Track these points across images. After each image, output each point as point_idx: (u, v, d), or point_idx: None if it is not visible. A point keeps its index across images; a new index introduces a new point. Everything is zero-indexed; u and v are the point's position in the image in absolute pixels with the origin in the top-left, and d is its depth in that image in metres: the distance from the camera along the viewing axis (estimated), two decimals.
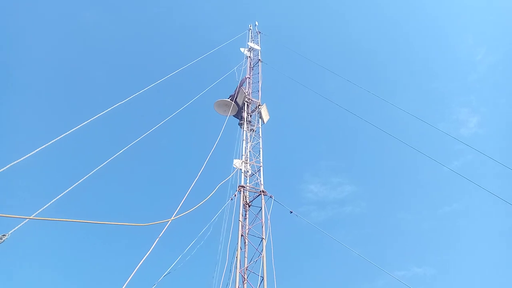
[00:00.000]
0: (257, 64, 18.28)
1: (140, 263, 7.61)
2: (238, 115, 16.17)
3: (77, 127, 7.14)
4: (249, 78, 16.85)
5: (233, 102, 15.83)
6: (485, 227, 33.01)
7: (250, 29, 20.47)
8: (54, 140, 6.47)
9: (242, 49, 18.98)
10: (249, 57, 18.53)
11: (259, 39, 19.95)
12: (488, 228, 32.58)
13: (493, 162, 13.75)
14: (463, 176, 13.67)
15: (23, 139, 29.63)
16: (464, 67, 41.21)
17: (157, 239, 8.11)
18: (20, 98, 33.13)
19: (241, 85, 16.44)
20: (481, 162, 28.95)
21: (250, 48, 19.03)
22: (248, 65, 18.03)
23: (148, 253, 7.88)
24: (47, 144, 6.26)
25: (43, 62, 36.04)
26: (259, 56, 18.70)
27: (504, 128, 36.38)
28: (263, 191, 12.51)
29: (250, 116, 15.87)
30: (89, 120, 7.66)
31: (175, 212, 8.73)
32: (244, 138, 14.66)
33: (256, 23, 20.99)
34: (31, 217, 5.20)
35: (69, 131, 6.85)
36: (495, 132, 36.68)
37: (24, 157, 5.76)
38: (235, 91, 16.34)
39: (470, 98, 39.24)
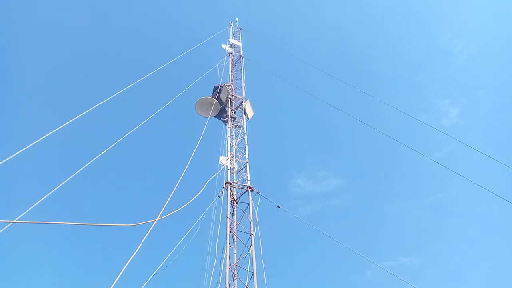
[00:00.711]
0: (239, 61, 18.23)
1: (126, 264, 7.54)
2: (220, 115, 16.02)
3: (57, 129, 7.03)
4: (228, 85, 16.59)
5: (215, 100, 15.69)
6: (469, 215, 33.76)
7: (231, 25, 20.36)
8: (35, 142, 6.35)
9: (223, 46, 18.87)
10: (231, 53, 18.46)
11: (240, 36, 19.89)
12: (472, 216, 33.32)
13: (474, 152, 14.07)
14: (446, 167, 13.97)
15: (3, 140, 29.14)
16: (443, 59, 41.88)
17: (143, 240, 8.06)
18: None
19: (214, 90, 16.31)
20: (462, 152, 29.49)
21: (231, 45, 18.94)
22: (230, 61, 17.97)
23: (134, 254, 7.82)
24: (28, 147, 6.15)
25: (21, 62, 35.28)
26: (241, 53, 18.65)
27: (484, 118, 37.19)
28: (250, 187, 12.52)
29: (235, 112, 15.83)
30: (68, 122, 7.55)
31: (160, 212, 8.67)
32: (229, 135, 14.63)
33: (237, 19, 20.90)
34: (14, 221, 5.10)
35: (49, 133, 6.73)
36: (475, 122, 37.48)
37: (4, 160, 5.65)
38: (214, 93, 16.18)
39: (450, 90, 39.96)
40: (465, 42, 40.44)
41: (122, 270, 7.81)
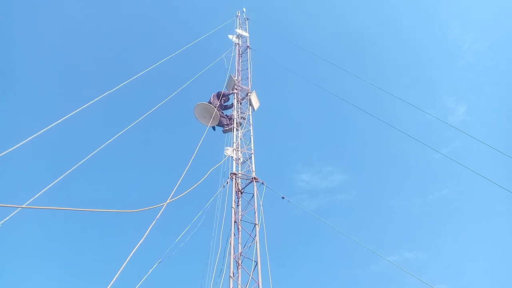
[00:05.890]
0: (246, 51, 18.18)
1: (133, 251, 7.64)
2: (221, 122, 15.07)
3: (67, 116, 7.09)
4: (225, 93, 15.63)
5: (215, 109, 14.61)
6: (474, 211, 33.66)
7: (238, 15, 20.28)
8: (46, 129, 6.42)
9: (230, 36, 18.81)
10: (238, 44, 18.39)
11: (247, 26, 19.80)
12: (477, 212, 33.24)
13: (481, 149, 13.98)
14: (456, 161, 13.87)
15: (14, 128, 29.41)
16: (451, 55, 41.53)
17: (154, 222, 8.14)
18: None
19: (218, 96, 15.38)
20: (469, 149, 29.32)
21: (238, 35, 18.88)
22: (237, 52, 17.92)
23: (142, 239, 7.91)
24: (38, 133, 6.21)
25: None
26: (248, 43, 18.58)
27: (492, 116, 36.90)
28: (255, 178, 12.54)
29: (240, 103, 15.83)
30: (78, 110, 7.61)
31: (170, 196, 8.76)
32: (235, 126, 14.65)
33: (244, 10, 20.79)
34: (23, 206, 5.18)
35: (59, 121, 6.80)
36: (482, 119, 37.13)
37: (14, 147, 5.72)
38: (213, 97, 15.36)
39: (458, 86, 39.63)
40: (474, 38, 40.04)
41: (129, 257, 7.90)
